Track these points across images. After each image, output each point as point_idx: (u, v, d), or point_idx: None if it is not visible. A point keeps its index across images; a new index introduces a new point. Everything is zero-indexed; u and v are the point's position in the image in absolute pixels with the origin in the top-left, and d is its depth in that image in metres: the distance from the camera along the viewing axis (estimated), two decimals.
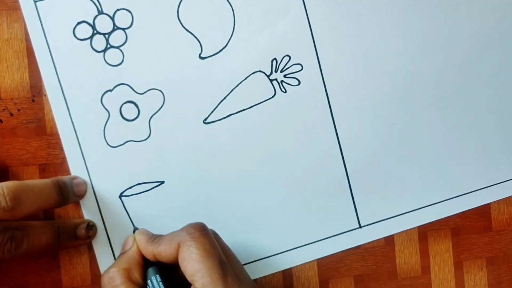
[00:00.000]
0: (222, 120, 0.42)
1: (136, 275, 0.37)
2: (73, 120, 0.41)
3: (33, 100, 0.41)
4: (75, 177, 0.41)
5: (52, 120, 0.41)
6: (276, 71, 0.43)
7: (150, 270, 0.37)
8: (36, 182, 0.39)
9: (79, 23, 0.41)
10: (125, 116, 0.41)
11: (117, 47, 0.41)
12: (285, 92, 0.43)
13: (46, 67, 0.40)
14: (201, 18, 0.42)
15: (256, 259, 0.43)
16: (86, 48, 0.41)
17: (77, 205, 0.41)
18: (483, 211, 0.46)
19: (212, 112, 0.42)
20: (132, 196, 0.42)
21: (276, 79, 0.43)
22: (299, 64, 0.43)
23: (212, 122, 0.42)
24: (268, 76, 0.43)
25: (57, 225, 0.39)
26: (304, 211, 0.44)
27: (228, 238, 0.42)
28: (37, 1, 0.40)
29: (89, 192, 0.41)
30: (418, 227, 0.45)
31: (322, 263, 0.44)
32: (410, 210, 0.45)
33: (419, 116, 0.45)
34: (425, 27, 0.45)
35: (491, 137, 0.46)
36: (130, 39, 0.41)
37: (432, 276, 0.46)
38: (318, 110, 0.44)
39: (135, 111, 0.42)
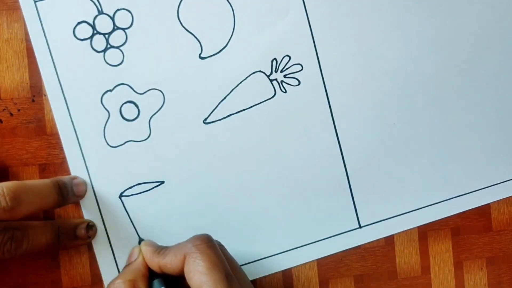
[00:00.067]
0: (222, 120, 0.42)
1: (141, 286, 0.37)
2: (73, 120, 0.41)
3: (33, 100, 0.41)
4: (75, 177, 0.41)
5: (52, 120, 0.41)
6: (276, 71, 0.43)
7: (156, 282, 0.37)
8: (36, 182, 0.39)
9: (79, 23, 0.41)
10: (125, 116, 0.41)
11: (117, 47, 0.41)
12: (285, 92, 0.43)
13: (46, 67, 0.40)
14: (201, 18, 0.42)
15: (256, 259, 0.43)
16: (86, 48, 0.41)
17: (77, 205, 0.41)
18: (483, 211, 0.46)
19: (212, 112, 0.42)
20: (132, 196, 0.42)
21: (276, 79, 0.43)
22: (299, 64, 0.43)
23: (212, 122, 0.42)
24: (268, 76, 0.43)
25: (57, 225, 0.39)
26: (304, 211, 0.44)
27: (228, 238, 0.42)
28: (37, 1, 0.40)
29: (89, 192, 0.41)
30: (418, 227, 0.45)
31: (322, 263, 0.44)
32: (410, 210, 0.45)
33: (419, 116, 0.45)
34: (425, 27, 0.45)
35: (491, 137, 0.46)
36: (130, 39, 0.41)
37: (432, 276, 0.46)
38: (318, 110, 0.44)
39: (135, 111, 0.42)
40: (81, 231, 0.40)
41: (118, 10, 0.41)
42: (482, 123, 0.46)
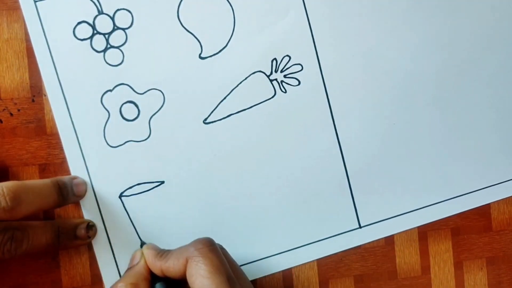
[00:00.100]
0: (222, 120, 0.42)
1: None
2: (73, 120, 0.41)
3: (33, 100, 0.41)
4: (75, 177, 0.41)
5: (52, 120, 0.41)
6: (276, 71, 0.43)
7: (158, 286, 0.37)
8: (36, 182, 0.39)
9: (79, 23, 0.41)
10: (125, 116, 0.41)
11: (117, 47, 0.41)
12: (285, 92, 0.43)
13: (46, 67, 0.40)
14: (201, 18, 0.42)
15: (256, 259, 0.43)
16: (86, 48, 0.41)
17: (77, 205, 0.41)
18: (483, 211, 0.46)
19: (212, 112, 0.42)
20: (132, 196, 0.42)
21: (276, 79, 0.43)
22: (299, 64, 0.43)
23: (212, 122, 0.42)
24: (268, 76, 0.43)
25: (57, 225, 0.39)
26: (304, 211, 0.44)
27: (228, 238, 0.42)
28: (37, 1, 0.40)
29: (89, 192, 0.41)
30: (418, 227, 0.45)
31: (322, 263, 0.44)
32: (410, 210, 0.45)
33: (419, 116, 0.45)
34: (425, 27, 0.45)
35: (491, 137, 0.46)
36: (130, 39, 0.41)
37: (432, 276, 0.46)
38: (318, 110, 0.44)
39: (135, 111, 0.42)
40: (81, 231, 0.40)
41: (118, 10, 0.41)
42: (482, 123, 0.46)
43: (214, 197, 0.43)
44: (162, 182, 0.42)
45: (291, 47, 0.43)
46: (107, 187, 0.41)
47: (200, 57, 0.42)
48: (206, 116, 0.42)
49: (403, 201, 0.45)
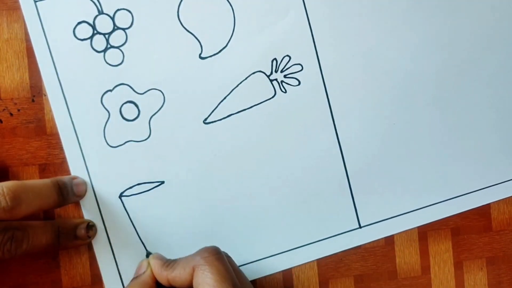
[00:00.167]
0: (222, 120, 0.42)
1: None
2: (73, 120, 0.41)
3: (33, 100, 0.41)
4: (75, 177, 0.41)
5: (52, 120, 0.41)
6: (276, 71, 0.43)
7: None
8: (36, 182, 0.39)
9: (79, 23, 0.41)
10: (125, 116, 0.41)
11: (117, 47, 0.41)
12: (285, 92, 0.43)
13: (46, 67, 0.40)
14: (201, 18, 0.42)
15: (256, 259, 0.43)
16: (86, 48, 0.41)
17: (77, 205, 0.41)
18: (483, 211, 0.46)
19: (212, 112, 0.42)
20: (132, 196, 0.42)
21: (276, 79, 0.43)
22: (299, 64, 0.43)
23: (212, 122, 0.42)
24: (268, 76, 0.43)
25: (57, 225, 0.39)
26: (304, 211, 0.44)
27: (228, 238, 0.42)
28: (37, 1, 0.40)
29: (89, 192, 0.41)
30: (418, 227, 0.45)
31: (322, 263, 0.44)
32: (410, 210, 0.45)
33: (419, 116, 0.45)
34: (425, 27, 0.45)
35: (491, 137, 0.46)
36: (130, 39, 0.41)
37: (432, 276, 0.46)
38: (318, 110, 0.44)
39: (135, 111, 0.42)
40: (81, 231, 0.40)
41: (118, 10, 0.41)
42: (482, 123, 0.46)
43: (214, 197, 0.43)
44: (162, 182, 0.42)
45: (291, 47, 0.43)
46: (107, 187, 0.41)
47: (200, 57, 0.42)
48: (206, 116, 0.42)
49: (403, 201, 0.45)
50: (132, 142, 0.42)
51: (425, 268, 0.46)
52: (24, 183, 0.37)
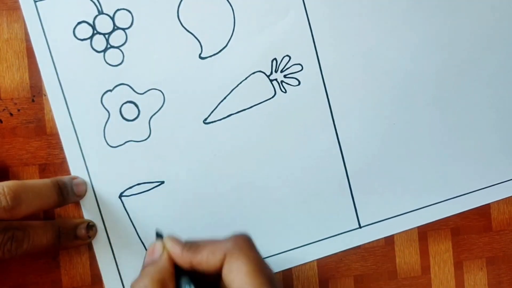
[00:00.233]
0: (222, 120, 0.42)
1: (170, 286, 0.35)
2: (73, 120, 0.41)
3: (33, 100, 0.41)
4: (75, 177, 0.41)
5: (52, 120, 0.41)
6: (276, 71, 0.43)
7: (183, 281, 0.35)
8: (36, 182, 0.39)
9: (79, 23, 0.41)
10: (125, 116, 0.41)
11: (117, 47, 0.41)
12: (285, 92, 0.43)
13: (46, 67, 0.40)
14: (201, 18, 0.42)
15: None
16: (86, 48, 0.41)
17: (77, 205, 0.41)
18: (483, 211, 0.46)
19: (212, 112, 0.42)
20: (132, 196, 0.42)
21: (276, 79, 0.43)
22: (299, 64, 0.43)
23: (212, 122, 0.42)
24: (268, 76, 0.43)
25: (58, 225, 0.39)
26: (304, 211, 0.44)
27: None
28: (37, 1, 0.40)
29: (89, 192, 0.41)
30: (418, 227, 0.45)
31: (322, 263, 0.44)
32: (410, 210, 0.45)
33: (419, 116, 0.45)
34: (425, 27, 0.45)
35: (491, 137, 0.46)
36: (130, 39, 0.41)
37: (432, 276, 0.46)
38: (318, 110, 0.44)
39: (135, 111, 0.42)
40: (81, 231, 0.40)
41: (118, 10, 0.41)
42: (482, 123, 0.46)
43: (214, 197, 0.43)
44: (162, 182, 0.42)
45: (291, 47, 0.43)
46: (107, 187, 0.41)
47: (200, 57, 0.42)
48: (206, 116, 0.42)
49: (403, 201, 0.45)
50: (132, 142, 0.42)
51: (425, 268, 0.46)
52: (24, 183, 0.37)
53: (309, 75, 0.43)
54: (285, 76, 0.43)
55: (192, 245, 0.36)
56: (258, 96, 0.43)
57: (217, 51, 0.42)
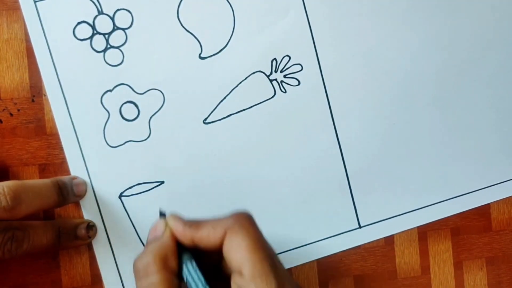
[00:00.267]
0: (222, 120, 0.42)
1: (172, 263, 0.35)
2: (73, 120, 0.41)
3: (33, 100, 0.41)
4: (75, 177, 0.41)
5: (52, 120, 0.41)
6: (276, 71, 0.43)
7: (185, 257, 0.35)
8: (36, 182, 0.39)
9: (79, 23, 0.41)
10: (125, 116, 0.41)
11: (117, 47, 0.41)
12: (285, 92, 0.43)
13: (46, 67, 0.40)
14: (201, 18, 0.42)
15: None
16: (86, 48, 0.41)
17: (77, 205, 0.41)
18: (483, 211, 0.46)
19: (212, 112, 0.42)
20: (132, 196, 0.42)
21: (276, 79, 0.43)
22: (299, 64, 0.43)
23: (212, 122, 0.42)
24: (268, 76, 0.43)
25: (58, 225, 0.39)
26: (304, 211, 0.44)
27: None
28: (37, 1, 0.40)
29: (89, 192, 0.41)
30: (418, 227, 0.45)
31: (322, 263, 0.44)
32: (410, 210, 0.45)
33: (419, 116, 0.45)
34: (425, 27, 0.45)
35: (491, 137, 0.46)
36: (130, 39, 0.41)
37: (432, 276, 0.46)
38: (318, 110, 0.44)
39: (135, 111, 0.42)
40: (82, 231, 0.40)
41: (118, 10, 0.41)
42: (482, 123, 0.46)
43: (213, 197, 0.43)
44: (162, 182, 0.42)
45: (291, 47, 0.43)
46: (107, 187, 0.41)
47: (200, 57, 0.42)
48: (206, 116, 0.42)
49: (403, 201, 0.45)
50: (132, 142, 0.42)
51: (425, 268, 0.46)
52: (24, 182, 0.37)
53: (309, 75, 0.43)
54: (285, 76, 0.43)
55: (193, 223, 0.36)
56: (258, 96, 0.43)
57: (217, 51, 0.42)
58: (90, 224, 0.41)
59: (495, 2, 0.45)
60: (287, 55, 0.43)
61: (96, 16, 0.41)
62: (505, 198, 0.47)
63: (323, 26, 0.43)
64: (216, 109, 0.42)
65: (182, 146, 0.42)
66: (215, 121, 0.42)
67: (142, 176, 0.42)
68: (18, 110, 0.41)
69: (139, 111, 0.42)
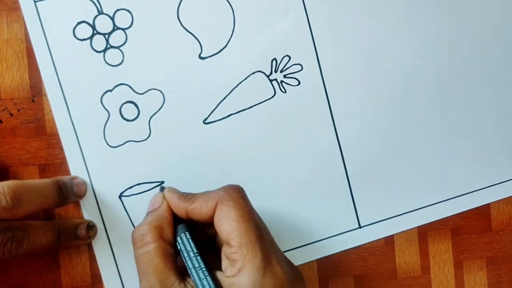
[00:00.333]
0: (222, 120, 0.42)
1: (167, 233, 0.37)
2: (73, 120, 0.41)
3: (33, 100, 0.41)
4: (75, 177, 0.41)
5: (52, 120, 0.41)
6: (276, 71, 0.43)
7: (180, 228, 0.37)
8: (36, 182, 0.39)
9: (79, 23, 0.41)
10: (125, 116, 0.41)
11: (117, 47, 0.41)
12: (285, 92, 0.43)
13: (46, 67, 0.40)
14: (201, 18, 0.42)
15: None
16: (86, 48, 0.41)
17: (77, 205, 0.41)
18: (483, 211, 0.46)
19: (212, 112, 0.42)
20: (132, 196, 0.42)
21: (276, 79, 0.43)
22: (299, 64, 0.43)
23: (212, 122, 0.42)
24: (268, 76, 0.43)
25: (58, 225, 0.39)
26: (304, 211, 0.44)
27: None
28: (37, 1, 0.40)
29: (89, 192, 0.41)
30: (418, 227, 0.45)
31: (322, 263, 0.44)
32: (410, 210, 0.45)
33: (419, 116, 0.45)
34: (425, 27, 0.45)
35: (491, 137, 0.46)
36: (130, 39, 0.41)
37: (432, 276, 0.46)
38: (318, 110, 0.44)
39: (135, 111, 0.42)
40: (82, 231, 0.40)
41: (118, 10, 0.41)
42: (482, 123, 0.46)
43: None
44: (162, 182, 0.42)
45: (291, 47, 0.43)
46: (107, 187, 0.41)
47: (200, 57, 0.42)
48: (206, 116, 0.42)
49: (403, 201, 0.45)
50: (132, 142, 0.42)
51: (425, 268, 0.46)
52: (24, 182, 0.37)
53: (309, 75, 0.43)
54: (285, 76, 0.43)
55: (188, 195, 0.38)
56: (258, 96, 0.43)
57: (217, 51, 0.42)
58: (90, 224, 0.41)
59: (495, 2, 0.45)
60: (287, 55, 0.43)
61: (96, 16, 0.41)
62: (505, 198, 0.47)
63: (323, 26, 0.43)
64: (216, 109, 0.42)
65: (182, 146, 0.42)
66: (215, 121, 0.42)
67: (142, 176, 0.42)
68: (18, 110, 0.41)
69: (139, 111, 0.42)
